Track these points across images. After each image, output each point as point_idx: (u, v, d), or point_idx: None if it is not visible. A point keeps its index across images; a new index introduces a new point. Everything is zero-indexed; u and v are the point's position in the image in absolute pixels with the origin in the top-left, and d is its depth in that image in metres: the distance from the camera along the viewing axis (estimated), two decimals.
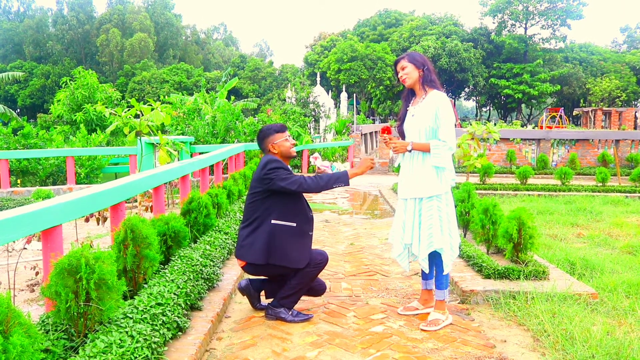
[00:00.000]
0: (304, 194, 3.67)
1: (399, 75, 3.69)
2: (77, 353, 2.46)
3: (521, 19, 55.55)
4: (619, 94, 52.63)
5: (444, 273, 3.57)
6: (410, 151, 3.60)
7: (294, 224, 3.56)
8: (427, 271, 3.69)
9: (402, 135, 3.76)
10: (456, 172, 9.99)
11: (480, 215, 4.91)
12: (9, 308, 2.10)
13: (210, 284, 3.96)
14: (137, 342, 2.59)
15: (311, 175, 3.52)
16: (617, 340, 3.12)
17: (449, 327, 3.56)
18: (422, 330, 3.51)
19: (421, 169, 3.56)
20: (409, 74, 3.61)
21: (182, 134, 13.43)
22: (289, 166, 3.63)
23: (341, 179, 3.54)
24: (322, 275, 4.78)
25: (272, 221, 3.53)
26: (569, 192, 10.32)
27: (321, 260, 3.67)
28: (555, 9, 53.76)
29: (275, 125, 3.74)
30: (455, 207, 4.68)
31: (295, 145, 3.87)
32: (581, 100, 56.42)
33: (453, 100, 57.58)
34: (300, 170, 14.73)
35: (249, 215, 3.62)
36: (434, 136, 3.54)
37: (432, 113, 3.51)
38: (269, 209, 3.54)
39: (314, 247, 3.76)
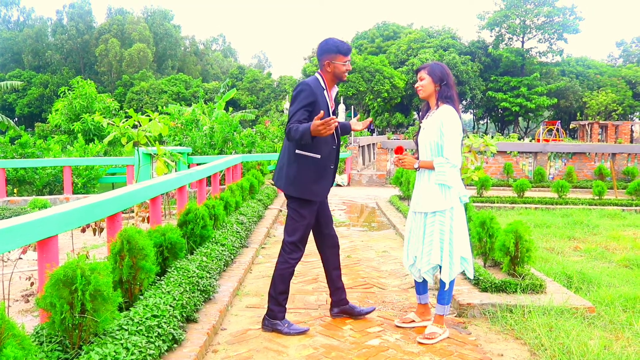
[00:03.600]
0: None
1: (416, 85, 3.68)
2: None
3: (518, 32, 55.94)
4: (615, 108, 52.86)
5: (445, 289, 3.57)
6: (417, 169, 3.62)
7: (319, 156, 3.46)
8: (432, 284, 3.71)
9: (417, 146, 3.77)
10: None
11: (477, 229, 4.92)
12: (2, 319, 2.08)
13: (206, 296, 3.94)
14: (132, 354, 2.58)
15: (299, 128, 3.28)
16: (615, 355, 3.12)
17: (445, 340, 3.55)
18: (418, 343, 3.49)
19: (427, 185, 3.58)
20: (425, 86, 3.59)
21: (180, 144, 13.44)
22: (314, 97, 3.40)
23: (305, 136, 3.24)
24: (318, 288, 4.76)
25: (297, 151, 3.45)
26: (566, 205, 10.33)
27: (297, 257, 3.60)
28: (552, 23, 54.18)
29: (344, 45, 3.49)
30: None
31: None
32: (578, 114, 56.62)
33: None
34: None
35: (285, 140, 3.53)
36: (439, 151, 3.53)
37: (437, 128, 3.51)
38: None
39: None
